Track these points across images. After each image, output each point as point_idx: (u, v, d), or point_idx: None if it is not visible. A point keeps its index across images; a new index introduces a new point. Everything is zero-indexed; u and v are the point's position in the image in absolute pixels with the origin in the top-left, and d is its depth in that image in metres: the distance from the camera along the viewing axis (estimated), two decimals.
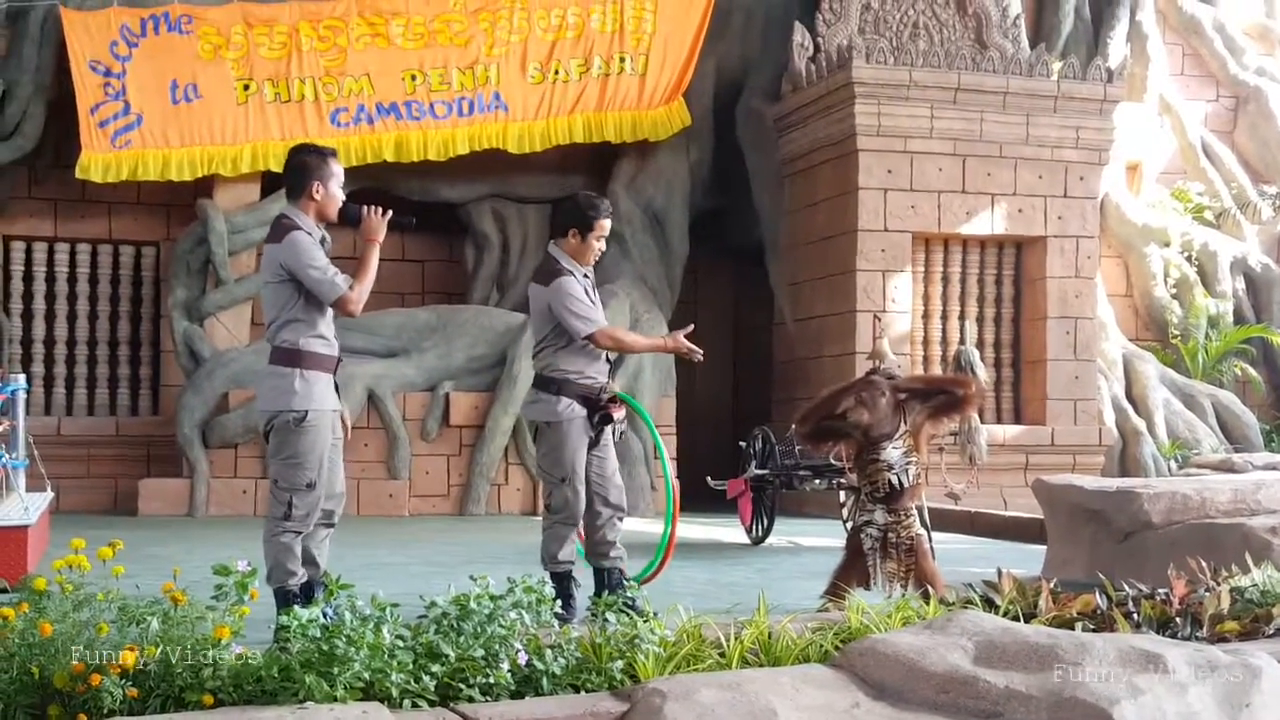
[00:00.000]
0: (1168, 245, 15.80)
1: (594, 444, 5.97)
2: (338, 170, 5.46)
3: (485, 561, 7.94)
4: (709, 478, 9.84)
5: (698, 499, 11.37)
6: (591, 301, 6.01)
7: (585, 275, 6.08)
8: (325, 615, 4.04)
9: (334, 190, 5.42)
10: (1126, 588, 5.24)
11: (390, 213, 5.49)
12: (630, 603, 5.14)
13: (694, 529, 10.58)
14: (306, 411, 5.24)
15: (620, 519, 6.06)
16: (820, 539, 9.73)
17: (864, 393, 5.91)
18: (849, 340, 12.59)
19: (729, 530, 10.23)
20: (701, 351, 6.07)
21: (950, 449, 9.76)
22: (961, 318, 13.15)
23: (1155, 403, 14.46)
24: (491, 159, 13.50)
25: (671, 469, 6.21)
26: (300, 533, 5.28)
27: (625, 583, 5.93)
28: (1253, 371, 15.57)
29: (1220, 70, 17.12)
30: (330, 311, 5.38)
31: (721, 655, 4.16)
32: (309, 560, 5.35)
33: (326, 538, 5.49)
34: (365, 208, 5.46)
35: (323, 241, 5.42)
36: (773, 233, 14.07)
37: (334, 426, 5.40)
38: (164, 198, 13.50)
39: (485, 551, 8.95)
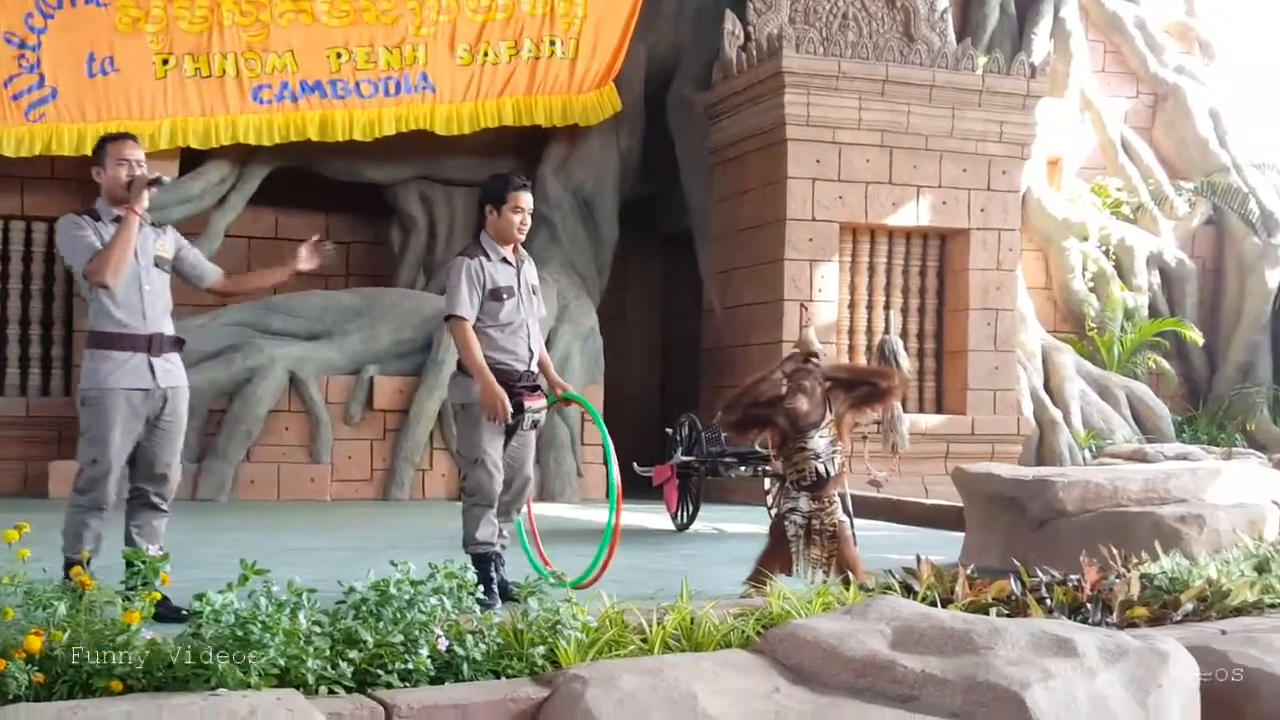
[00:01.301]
0: (1086, 239, 16.06)
1: (513, 431, 6.01)
2: (116, 151, 5.54)
3: (408, 547, 7.88)
4: (635, 464, 9.84)
5: (624, 485, 11.34)
6: (496, 285, 5.99)
7: (505, 260, 6.08)
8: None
9: (110, 170, 5.50)
10: (1040, 574, 5.31)
11: (150, 177, 5.53)
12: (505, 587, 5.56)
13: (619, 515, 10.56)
14: (90, 389, 5.37)
15: (517, 510, 6.25)
16: (745, 525, 9.77)
17: (804, 381, 5.95)
18: (776, 329, 12.65)
19: (654, 516, 10.25)
20: (504, 418, 5.90)
21: (873, 437, 9.84)
22: (886, 307, 13.26)
23: (1071, 393, 14.70)
24: (418, 140, 13.39)
25: (618, 485, 6.15)
26: (92, 508, 5.39)
27: (501, 566, 6.05)
28: (1166, 364, 15.88)
29: (1140, 68, 17.41)
30: (130, 290, 5.41)
31: (644, 641, 4.16)
32: (128, 539, 5.41)
33: (153, 520, 5.52)
34: (135, 179, 5.50)
35: (117, 220, 5.46)
36: (702, 221, 14.09)
37: (141, 406, 5.42)
38: (79, 173, 13.10)
39: (408, 537, 8.89)
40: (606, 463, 6.17)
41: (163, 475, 5.51)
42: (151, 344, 5.44)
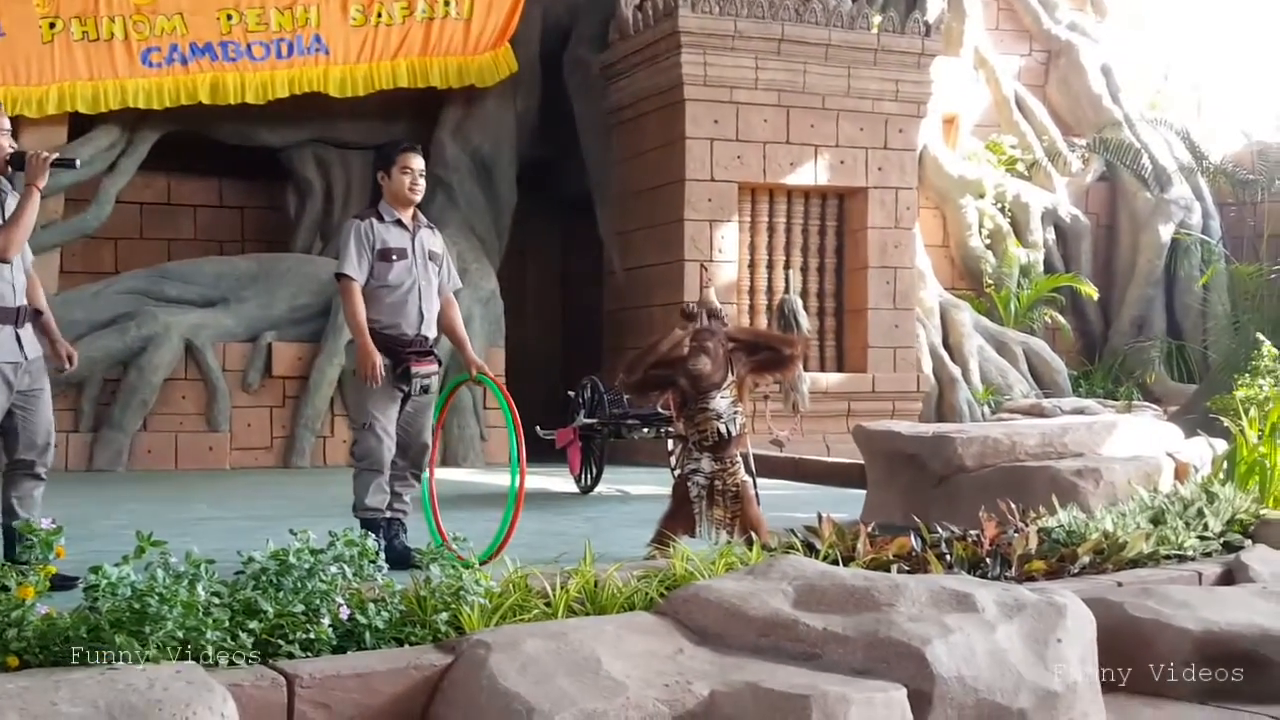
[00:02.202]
0: (982, 197, 16.28)
1: (406, 396, 6.03)
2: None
3: (309, 515, 7.80)
4: (538, 427, 9.81)
5: (526, 449, 11.32)
6: (386, 245, 5.98)
7: (399, 223, 6.11)
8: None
9: None
10: (940, 530, 5.36)
11: (53, 156, 5.44)
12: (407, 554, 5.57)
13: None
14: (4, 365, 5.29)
15: (415, 476, 6.23)
16: (649, 487, 9.80)
17: (707, 342, 5.95)
18: (677, 289, 12.66)
19: (558, 480, 10.24)
20: (374, 379, 5.88)
21: (774, 397, 9.90)
22: (786, 267, 13.33)
23: (970, 350, 14.91)
24: (313, 103, 13.18)
25: (521, 462, 6.09)
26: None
27: (404, 534, 6.09)
28: (1062, 319, 16.18)
29: (1034, 25, 17.63)
30: (11, 262, 5.33)
31: (548, 605, 4.15)
32: (7, 510, 5.37)
33: (34, 490, 5.48)
34: (29, 153, 5.42)
35: None
36: (601, 182, 14.04)
37: (14, 379, 5.35)
38: None
39: (309, 505, 8.79)
40: (512, 456, 6.10)
41: (46, 445, 5.46)
42: (19, 316, 5.37)
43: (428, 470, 6.34)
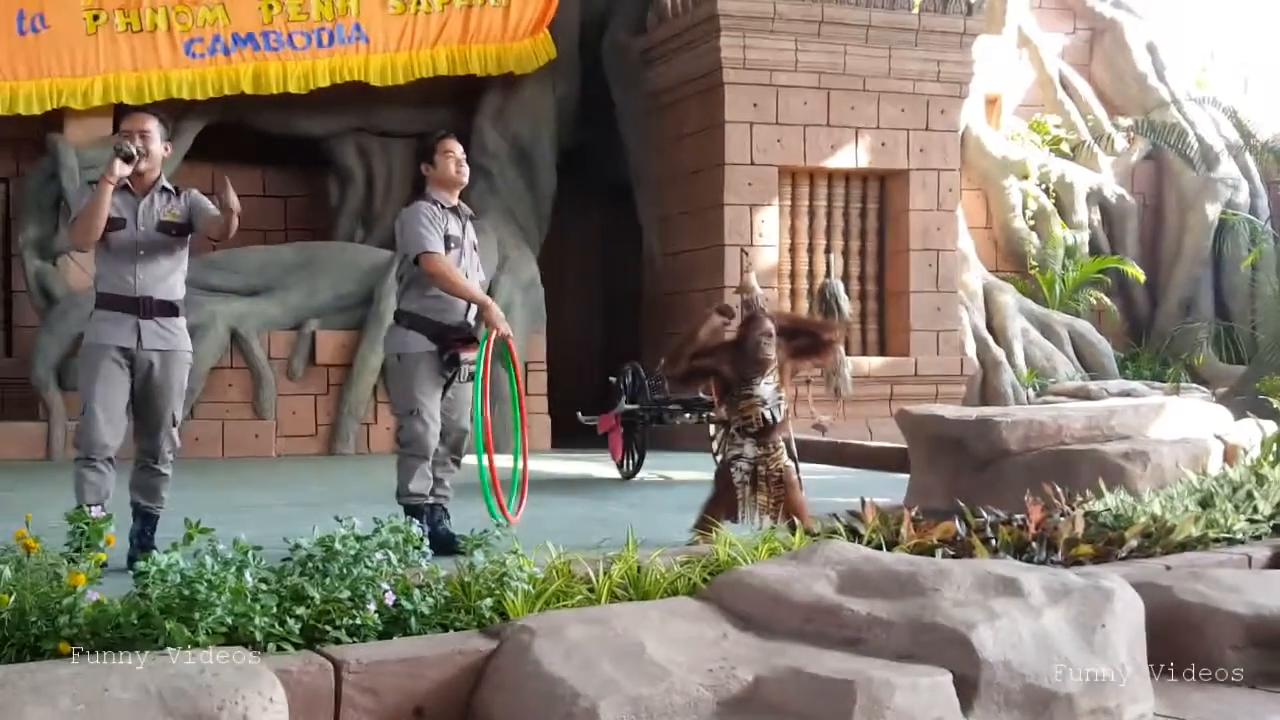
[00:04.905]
0: (1026, 177, 16.11)
1: (449, 383, 6.07)
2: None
3: (354, 502, 7.83)
4: (579, 413, 9.82)
5: (568, 434, 11.36)
6: (447, 232, 6.02)
7: (446, 207, 6.13)
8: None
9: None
10: (985, 514, 5.33)
11: (122, 150, 5.62)
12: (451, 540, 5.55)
13: (566, 464, 10.59)
14: (88, 345, 5.59)
15: (455, 462, 6.26)
16: (691, 473, 9.78)
17: (769, 327, 5.94)
18: (717, 274, 12.64)
19: (600, 465, 10.25)
20: (509, 333, 6.05)
21: (816, 381, 9.88)
22: (827, 251, 13.27)
23: (1014, 332, 14.79)
24: (354, 92, 13.22)
25: (522, 407, 6.16)
26: (88, 459, 5.51)
27: (447, 519, 6.11)
28: (1108, 301, 15.99)
29: (1077, 2, 17.43)
30: (118, 253, 5.58)
31: (591, 591, 4.16)
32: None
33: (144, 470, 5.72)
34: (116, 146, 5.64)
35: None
36: (640, 167, 14.02)
37: (125, 362, 5.55)
38: (12, 132, 12.97)
39: (354, 491, 8.85)
40: (512, 394, 6.20)
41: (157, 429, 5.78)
42: (137, 305, 5.57)
43: (485, 449, 6.34)
